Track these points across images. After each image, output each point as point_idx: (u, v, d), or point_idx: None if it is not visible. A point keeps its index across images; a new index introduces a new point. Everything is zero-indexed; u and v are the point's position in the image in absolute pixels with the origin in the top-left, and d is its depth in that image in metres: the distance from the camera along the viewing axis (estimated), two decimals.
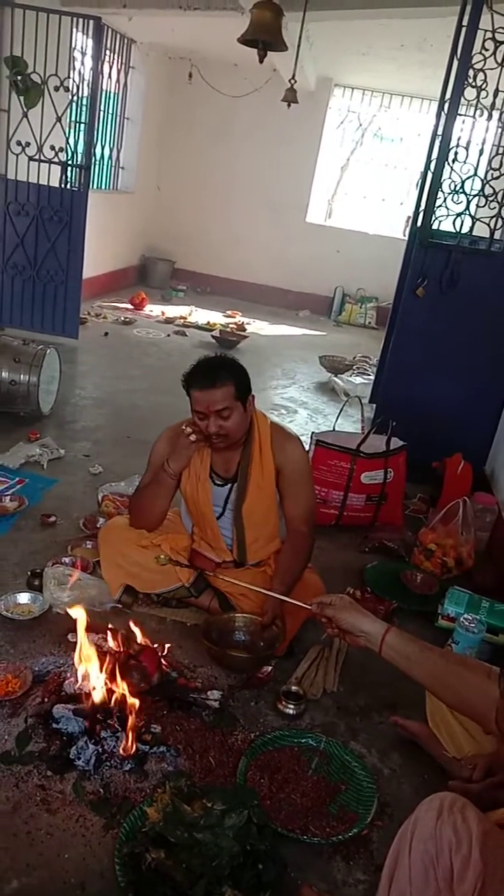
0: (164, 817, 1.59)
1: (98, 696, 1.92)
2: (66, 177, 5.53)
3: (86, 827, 1.70)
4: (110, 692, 1.94)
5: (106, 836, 1.67)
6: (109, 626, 2.16)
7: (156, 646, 2.18)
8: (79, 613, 2.02)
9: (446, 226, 3.93)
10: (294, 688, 2.22)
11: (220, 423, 2.30)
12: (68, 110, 5.46)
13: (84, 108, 5.68)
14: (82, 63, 6.10)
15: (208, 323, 7.81)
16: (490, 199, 3.82)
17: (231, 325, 7.88)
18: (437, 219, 3.86)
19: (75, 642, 2.21)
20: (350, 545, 3.34)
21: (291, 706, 2.16)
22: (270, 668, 2.29)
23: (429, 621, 2.75)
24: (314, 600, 1.80)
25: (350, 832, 1.74)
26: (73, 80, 5.59)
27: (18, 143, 5.37)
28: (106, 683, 1.95)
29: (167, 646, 2.23)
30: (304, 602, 1.91)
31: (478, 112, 3.75)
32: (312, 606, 1.80)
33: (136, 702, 1.89)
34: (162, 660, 2.16)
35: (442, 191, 3.79)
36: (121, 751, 1.86)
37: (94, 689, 1.93)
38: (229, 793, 1.68)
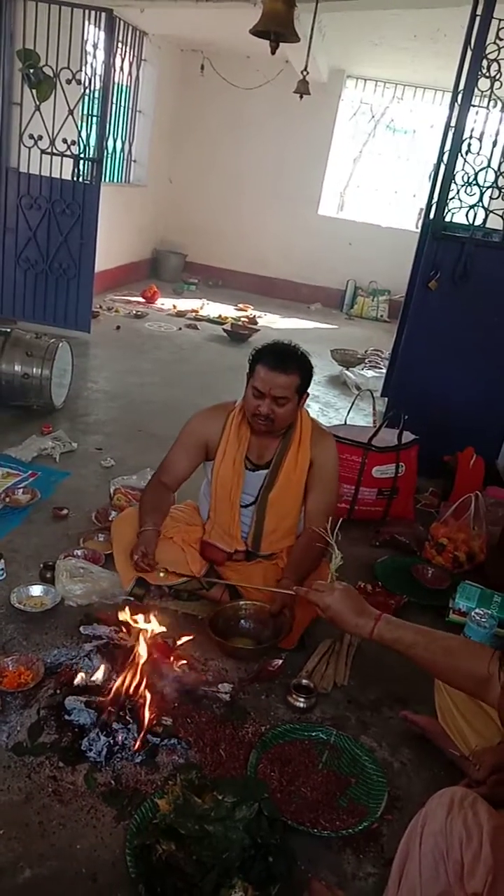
0: (174, 809, 1.59)
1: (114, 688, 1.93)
2: (79, 170, 5.53)
3: (97, 818, 1.71)
4: (123, 685, 1.95)
5: (117, 827, 1.69)
6: (121, 617, 2.17)
7: (169, 639, 2.19)
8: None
9: (459, 218, 3.90)
10: (305, 681, 2.22)
11: (273, 408, 2.33)
12: (80, 103, 5.45)
13: (96, 101, 5.68)
14: (94, 56, 6.08)
15: (220, 316, 7.80)
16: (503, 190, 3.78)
17: (242, 319, 7.87)
18: (449, 211, 3.83)
19: (87, 634, 2.23)
20: (361, 539, 3.33)
21: (302, 699, 2.17)
22: (281, 661, 2.30)
23: (440, 616, 2.74)
24: (313, 585, 1.79)
25: (360, 826, 1.74)
26: (86, 73, 5.58)
27: (31, 137, 5.37)
28: (120, 676, 1.96)
29: (185, 639, 2.23)
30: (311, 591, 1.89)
31: (492, 103, 3.72)
32: (300, 590, 1.80)
33: (148, 694, 1.91)
34: (174, 653, 2.17)
35: (455, 182, 3.76)
36: (132, 744, 1.87)
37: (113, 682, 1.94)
38: (240, 785, 1.68)
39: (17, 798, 1.73)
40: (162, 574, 2.45)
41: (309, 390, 2.44)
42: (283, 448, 2.49)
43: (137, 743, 1.87)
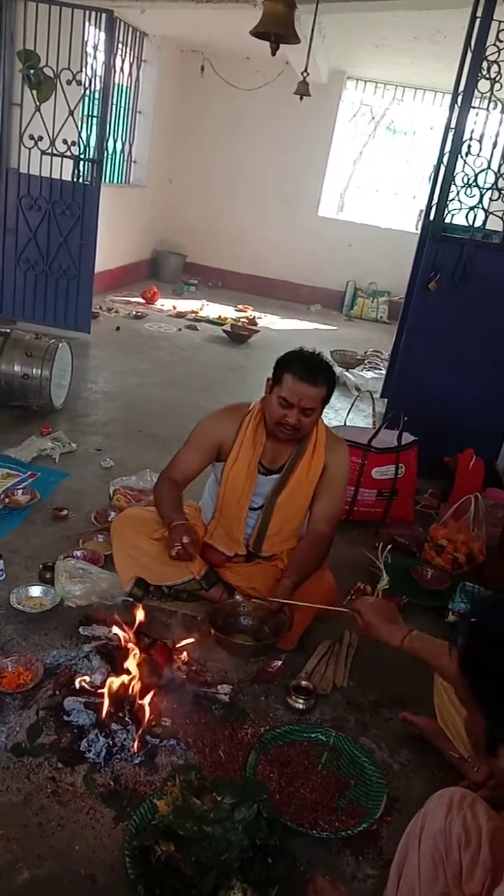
0: (173, 810, 1.59)
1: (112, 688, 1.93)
2: (79, 171, 5.53)
3: (96, 819, 1.71)
4: (122, 686, 1.95)
5: (116, 828, 1.69)
6: (116, 616, 2.17)
7: (167, 640, 2.19)
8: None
9: (459, 219, 3.90)
10: (304, 682, 2.22)
11: (300, 419, 2.34)
12: (81, 104, 5.46)
13: (96, 102, 5.68)
14: (95, 57, 6.08)
15: (220, 317, 7.80)
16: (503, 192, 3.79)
17: (242, 320, 7.87)
18: (449, 212, 3.83)
19: (86, 635, 2.23)
20: (361, 540, 3.32)
21: (301, 701, 2.17)
22: (280, 662, 2.30)
23: (439, 617, 2.75)
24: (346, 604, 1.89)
25: (359, 827, 1.74)
26: (86, 74, 5.59)
27: (31, 137, 5.37)
28: (118, 676, 1.96)
29: (187, 641, 2.23)
30: (322, 604, 1.95)
31: (492, 104, 3.72)
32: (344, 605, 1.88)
33: (148, 695, 1.91)
34: (173, 654, 2.17)
35: (455, 184, 3.77)
36: (131, 745, 1.87)
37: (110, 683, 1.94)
38: (239, 786, 1.68)
39: (16, 799, 1.73)
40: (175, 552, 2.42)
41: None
42: (298, 453, 2.49)
43: (136, 744, 1.88)
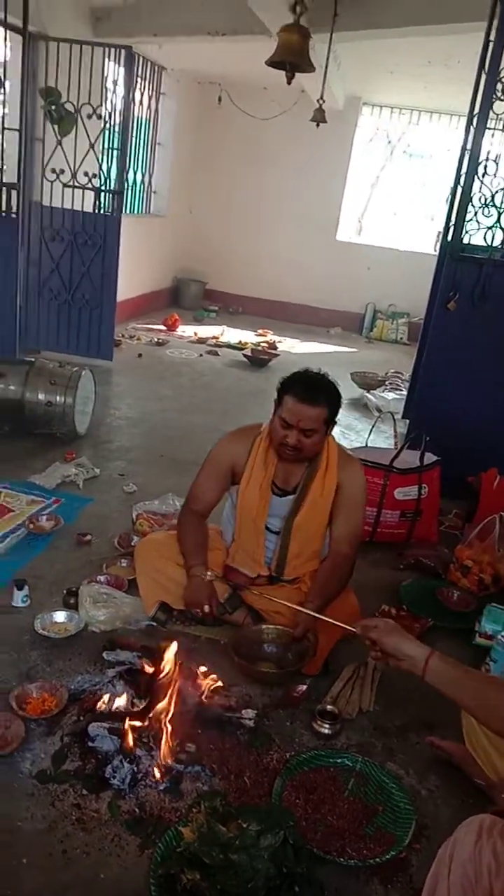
0: (199, 838, 1.58)
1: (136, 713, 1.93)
2: (100, 202, 5.63)
3: (121, 847, 1.69)
4: (147, 711, 1.94)
5: (141, 856, 1.67)
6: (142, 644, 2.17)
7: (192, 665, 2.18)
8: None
9: (477, 239, 3.91)
10: (329, 707, 2.20)
11: (301, 439, 2.33)
12: (101, 137, 5.57)
13: (116, 135, 5.80)
14: (114, 91, 6.22)
15: (240, 342, 7.85)
16: None
17: (262, 344, 7.91)
18: (467, 233, 3.84)
19: (110, 660, 2.23)
20: (384, 562, 3.31)
21: (327, 726, 2.14)
22: (305, 686, 2.28)
23: (466, 639, 2.71)
24: (358, 623, 1.79)
25: (388, 854, 1.71)
26: (106, 108, 5.70)
27: (53, 171, 5.49)
28: (143, 702, 1.96)
29: (203, 668, 2.22)
30: (347, 624, 1.89)
31: None
32: (356, 628, 1.79)
33: (172, 721, 1.90)
34: (198, 679, 2.16)
35: (472, 204, 3.78)
36: (155, 772, 1.85)
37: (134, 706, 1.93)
38: (265, 813, 1.66)
39: (41, 826, 1.72)
40: (210, 577, 2.43)
41: (337, 419, 2.43)
42: (310, 473, 2.48)
43: (161, 770, 1.86)
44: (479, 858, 1.29)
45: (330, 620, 2.09)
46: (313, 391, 2.31)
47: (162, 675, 2.02)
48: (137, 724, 1.92)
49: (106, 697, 2.03)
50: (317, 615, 2.18)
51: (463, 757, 1.99)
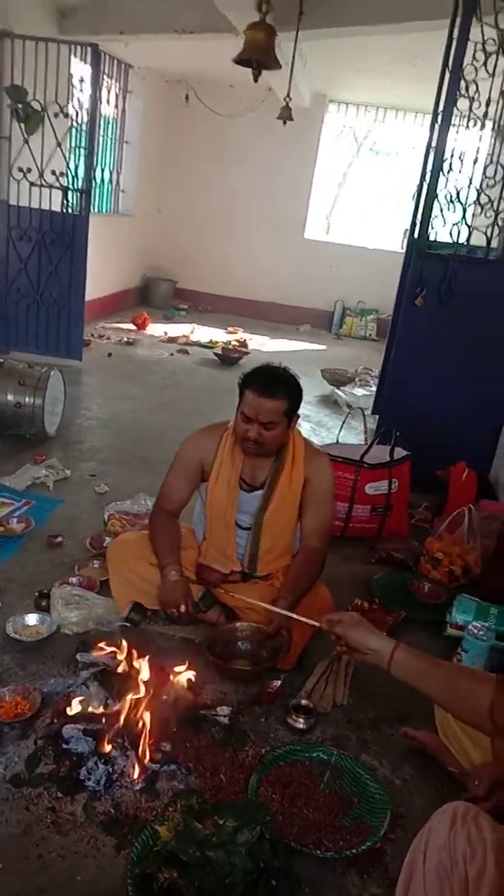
0: (175, 836, 1.58)
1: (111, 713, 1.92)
2: (68, 201, 5.59)
3: (97, 848, 1.69)
4: (120, 711, 1.93)
5: (118, 856, 1.67)
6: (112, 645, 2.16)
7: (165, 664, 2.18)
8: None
9: (443, 236, 3.95)
10: (304, 701, 2.21)
11: (262, 433, 2.34)
12: (68, 136, 5.53)
13: (84, 133, 5.75)
14: (81, 89, 6.18)
15: (210, 340, 7.84)
16: (486, 207, 3.84)
17: (233, 342, 7.91)
18: (433, 229, 3.88)
19: (84, 662, 2.22)
20: (356, 556, 3.33)
21: (301, 720, 2.15)
22: (279, 682, 2.28)
23: (437, 630, 2.74)
24: (323, 618, 1.79)
25: (363, 845, 1.72)
26: (73, 107, 5.66)
27: (20, 170, 5.43)
28: (116, 703, 1.95)
29: (182, 666, 2.22)
30: (313, 619, 1.90)
31: (471, 122, 3.78)
32: (321, 624, 1.79)
33: (147, 720, 1.89)
34: (172, 678, 2.16)
35: (438, 201, 3.81)
36: (131, 772, 1.85)
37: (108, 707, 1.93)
38: (241, 809, 1.66)
39: (16, 831, 1.71)
40: (174, 577, 2.42)
41: (300, 411, 2.45)
42: (277, 468, 2.49)
43: (136, 770, 1.86)
44: (454, 845, 1.30)
45: (296, 617, 2.11)
46: (271, 384, 2.33)
47: (133, 675, 2.02)
48: (112, 724, 1.91)
49: (79, 699, 2.02)
50: (285, 612, 2.19)
51: (436, 746, 2.01)
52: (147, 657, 2.06)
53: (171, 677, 2.14)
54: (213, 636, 2.42)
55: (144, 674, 2.01)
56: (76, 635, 2.45)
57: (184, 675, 2.15)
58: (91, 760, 1.86)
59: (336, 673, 2.40)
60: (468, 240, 3.96)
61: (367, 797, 1.88)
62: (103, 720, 1.94)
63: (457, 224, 3.86)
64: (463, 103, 3.72)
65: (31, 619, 2.49)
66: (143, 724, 1.91)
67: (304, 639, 2.40)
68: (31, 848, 1.67)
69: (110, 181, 8.36)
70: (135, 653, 2.08)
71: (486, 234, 3.85)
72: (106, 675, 2.14)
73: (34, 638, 2.40)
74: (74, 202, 5.62)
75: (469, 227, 3.89)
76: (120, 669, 2.09)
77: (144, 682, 2.00)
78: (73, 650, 2.34)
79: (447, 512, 3.36)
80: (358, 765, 1.99)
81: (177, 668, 2.16)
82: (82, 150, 5.72)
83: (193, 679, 2.17)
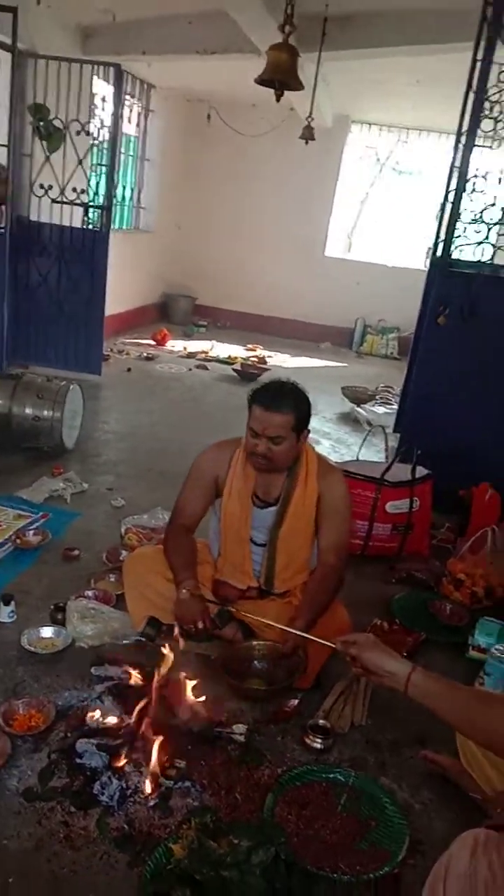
0: (189, 854, 1.55)
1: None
2: (88, 217, 5.65)
3: (110, 864, 1.66)
4: (136, 726, 1.91)
5: (130, 874, 1.63)
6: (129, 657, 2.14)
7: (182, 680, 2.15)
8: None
9: (467, 255, 3.94)
10: (321, 721, 2.17)
11: (270, 447, 2.32)
12: (90, 153, 5.60)
13: (105, 151, 5.82)
14: (103, 108, 6.26)
15: (229, 357, 7.86)
16: None
17: (252, 359, 7.93)
18: (457, 248, 3.87)
19: (99, 675, 2.20)
20: (376, 576, 3.29)
21: (319, 740, 2.11)
22: (296, 701, 2.25)
23: (459, 653, 2.69)
24: (338, 639, 1.76)
25: (381, 870, 1.68)
26: (94, 125, 5.73)
27: (41, 186, 5.50)
28: (132, 717, 1.93)
29: (194, 681, 2.19)
30: (329, 639, 1.87)
31: (495, 143, 3.78)
32: (336, 645, 1.76)
33: (161, 737, 1.87)
34: (189, 694, 2.13)
35: (461, 220, 3.81)
36: (145, 787, 1.82)
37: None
38: (256, 829, 1.64)
39: (28, 845, 1.68)
40: (184, 595, 2.38)
41: (320, 427, 2.42)
42: (290, 484, 2.47)
43: (150, 786, 1.83)
44: (475, 873, 1.27)
45: (312, 638, 2.08)
46: (277, 399, 2.32)
47: (149, 691, 1.99)
48: (126, 739, 1.89)
49: (94, 713, 2.00)
50: (301, 633, 2.15)
51: (457, 771, 1.97)
52: (163, 673, 2.04)
53: (186, 694, 2.11)
54: (229, 655, 2.39)
55: (159, 688, 1.99)
56: (91, 649, 2.43)
57: (195, 691, 2.12)
58: (105, 775, 1.84)
59: (355, 693, 2.36)
60: (492, 259, 3.94)
61: (385, 821, 1.84)
62: (117, 735, 1.91)
63: (480, 244, 3.85)
64: (487, 124, 3.72)
65: (47, 631, 2.48)
66: (158, 740, 1.88)
67: (321, 658, 2.36)
68: (43, 863, 1.65)
69: (131, 198, 8.44)
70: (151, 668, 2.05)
71: None
72: (120, 690, 2.12)
73: (49, 651, 2.39)
74: (95, 219, 5.68)
75: (494, 246, 3.87)
76: (133, 682, 2.07)
77: (159, 698, 1.97)
78: (87, 664, 2.32)
79: (470, 533, 3.32)
80: (376, 787, 1.95)
81: (190, 685, 2.14)
82: (103, 168, 5.78)
83: (206, 698, 2.14)
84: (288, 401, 2.33)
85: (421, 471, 3.51)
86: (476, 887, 1.26)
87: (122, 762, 1.86)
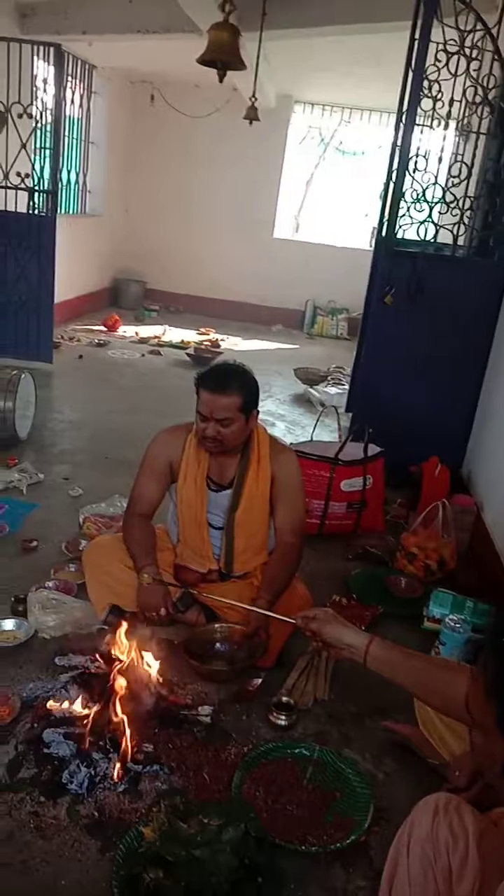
0: (160, 836, 1.57)
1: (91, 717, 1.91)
2: (34, 203, 5.54)
3: (82, 851, 1.68)
4: (101, 714, 1.93)
5: (103, 859, 1.66)
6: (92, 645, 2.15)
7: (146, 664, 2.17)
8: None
9: (411, 234, 3.99)
10: (285, 698, 2.21)
11: (219, 430, 2.34)
12: (33, 137, 5.48)
13: (48, 134, 5.71)
14: (45, 90, 6.13)
15: (182, 341, 7.83)
16: (452, 205, 3.89)
17: (205, 343, 7.91)
18: (401, 227, 3.92)
19: (63, 665, 2.21)
20: (333, 553, 3.35)
21: (283, 717, 2.16)
22: (260, 680, 2.29)
23: (415, 624, 2.76)
24: (298, 614, 1.80)
25: (348, 839, 1.73)
26: (37, 107, 5.61)
27: None
28: (98, 705, 1.94)
29: (157, 664, 2.21)
30: (288, 616, 1.91)
31: (435, 122, 3.82)
32: (297, 620, 1.80)
33: (128, 722, 1.89)
34: (151, 679, 2.15)
35: (404, 200, 3.86)
36: (113, 773, 1.84)
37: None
38: (225, 807, 1.67)
39: None
40: (146, 576, 2.40)
41: (265, 408, 2.46)
42: (243, 467, 2.50)
43: (119, 772, 1.85)
44: (437, 836, 1.32)
45: (273, 615, 2.13)
46: (223, 381, 2.34)
47: (113, 677, 2.01)
48: (92, 726, 1.90)
49: (60, 703, 2.01)
50: (261, 611, 2.20)
51: (418, 739, 2.03)
52: (126, 658, 2.06)
53: (147, 677, 2.13)
54: (191, 638, 2.42)
55: (121, 679, 2.00)
56: (54, 639, 2.43)
57: (155, 671, 2.15)
58: (73, 764, 1.85)
59: (316, 669, 2.42)
60: (435, 238, 4.00)
61: (349, 791, 1.90)
62: (84, 723, 1.93)
63: (423, 223, 3.90)
64: (427, 103, 3.76)
65: (8, 624, 2.47)
66: (124, 725, 1.90)
67: (283, 636, 2.40)
68: (14, 854, 1.66)
69: (77, 182, 8.30)
70: (113, 654, 2.07)
71: (452, 231, 3.89)
72: (85, 678, 2.12)
73: (11, 643, 2.38)
74: (41, 204, 5.58)
75: (436, 225, 3.93)
76: (97, 671, 2.08)
77: (123, 684, 1.99)
78: (51, 654, 2.32)
79: (421, 507, 3.40)
80: (340, 759, 2.00)
81: (154, 669, 2.16)
82: (47, 151, 5.68)
83: (167, 678, 2.16)
84: (234, 382, 2.34)
85: (373, 449, 3.57)
86: (438, 850, 1.31)
87: (89, 750, 1.87)
